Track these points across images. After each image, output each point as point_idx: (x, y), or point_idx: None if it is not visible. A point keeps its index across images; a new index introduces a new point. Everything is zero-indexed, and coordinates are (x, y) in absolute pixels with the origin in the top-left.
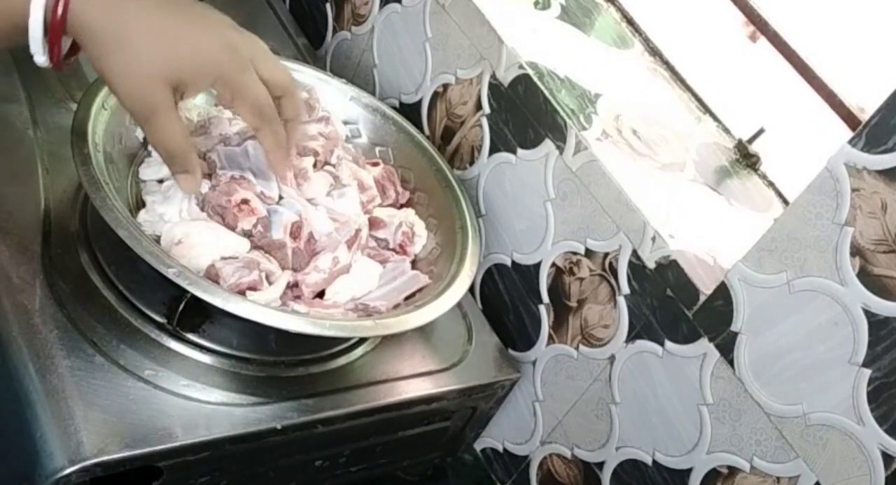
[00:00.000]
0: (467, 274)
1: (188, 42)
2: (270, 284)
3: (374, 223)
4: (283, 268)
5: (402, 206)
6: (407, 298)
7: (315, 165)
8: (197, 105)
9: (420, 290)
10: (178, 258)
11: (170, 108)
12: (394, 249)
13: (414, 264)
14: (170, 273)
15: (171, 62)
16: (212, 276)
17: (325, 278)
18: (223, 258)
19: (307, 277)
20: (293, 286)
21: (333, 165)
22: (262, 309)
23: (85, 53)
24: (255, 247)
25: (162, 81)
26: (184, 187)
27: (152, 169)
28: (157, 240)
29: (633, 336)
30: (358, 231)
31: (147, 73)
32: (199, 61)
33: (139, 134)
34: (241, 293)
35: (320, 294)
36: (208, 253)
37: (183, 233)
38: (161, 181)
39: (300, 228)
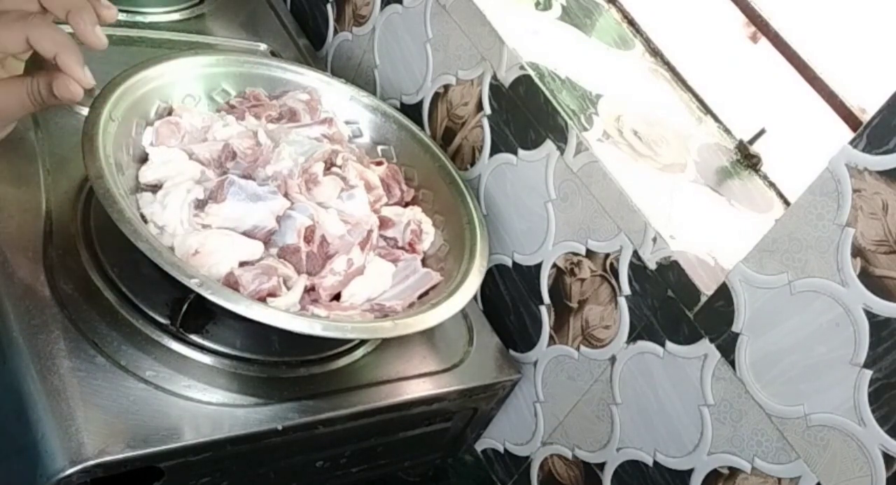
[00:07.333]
0: (478, 269)
1: None
2: (288, 289)
3: (382, 222)
4: (298, 272)
5: (407, 204)
6: (420, 296)
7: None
8: (200, 111)
9: (433, 287)
10: (197, 268)
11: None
12: (403, 248)
13: (423, 262)
14: (192, 283)
15: None
16: (231, 283)
17: (341, 281)
18: (241, 264)
19: (324, 280)
20: (310, 290)
21: (340, 167)
22: (286, 316)
23: None
24: (268, 252)
25: None
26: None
27: (150, 171)
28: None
29: (633, 337)
30: (370, 232)
31: None
32: None
33: (145, 140)
34: (262, 300)
35: (336, 296)
36: (226, 260)
37: (198, 243)
38: (155, 188)
39: (313, 232)
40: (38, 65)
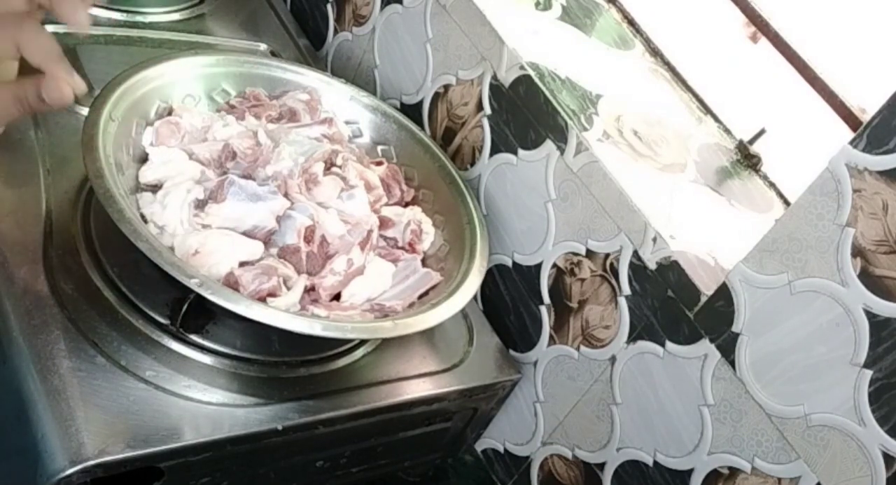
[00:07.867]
0: (478, 269)
1: None
2: (288, 289)
3: (382, 222)
4: (298, 272)
5: (407, 204)
6: (420, 296)
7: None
8: (200, 111)
9: (433, 287)
10: (197, 268)
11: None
12: (403, 248)
13: (423, 262)
14: (192, 283)
15: None
16: (231, 283)
17: (341, 281)
18: (241, 264)
19: (324, 280)
20: (310, 290)
21: (340, 167)
22: (286, 316)
23: None
24: (268, 252)
25: None
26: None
27: (150, 171)
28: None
29: (634, 337)
30: (370, 232)
31: None
32: None
33: (145, 140)
34: (262, 300)
35: (336, 296)
36: (226, 260)
37: (199, 243)
38: (155, 188)
39: (313, 232)
40: (29, 68)
